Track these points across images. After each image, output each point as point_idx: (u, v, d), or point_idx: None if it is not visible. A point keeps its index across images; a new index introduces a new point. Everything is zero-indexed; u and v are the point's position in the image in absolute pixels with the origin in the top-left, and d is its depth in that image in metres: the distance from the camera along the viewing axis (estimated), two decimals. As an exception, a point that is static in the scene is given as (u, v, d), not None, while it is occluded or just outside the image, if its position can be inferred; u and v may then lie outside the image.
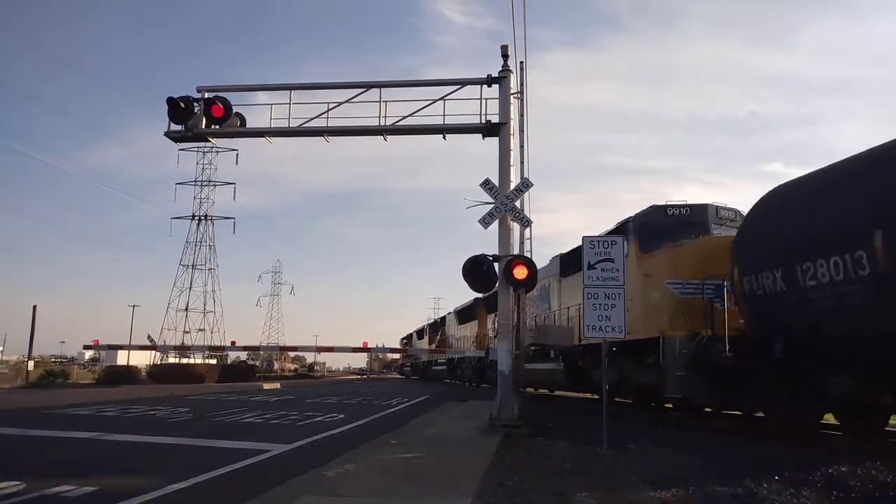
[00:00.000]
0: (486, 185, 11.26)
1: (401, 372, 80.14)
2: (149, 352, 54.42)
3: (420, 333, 57.96)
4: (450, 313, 44.18)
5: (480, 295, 20.18)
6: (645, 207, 14.44)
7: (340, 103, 12.60)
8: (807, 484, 6.21)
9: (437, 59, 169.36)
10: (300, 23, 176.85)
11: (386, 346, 61.60)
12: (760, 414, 12.07)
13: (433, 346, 46.70)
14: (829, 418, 10.89)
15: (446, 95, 12.20)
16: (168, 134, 12.98)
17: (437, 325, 49.00)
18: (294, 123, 12.70)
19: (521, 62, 12.77)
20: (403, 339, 69.84)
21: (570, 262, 17.66)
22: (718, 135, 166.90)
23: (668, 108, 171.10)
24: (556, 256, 20.01)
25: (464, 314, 36.93)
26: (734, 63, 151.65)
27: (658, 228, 13.70)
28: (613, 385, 14.53)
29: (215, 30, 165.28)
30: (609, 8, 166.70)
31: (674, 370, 11.67)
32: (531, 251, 12.80)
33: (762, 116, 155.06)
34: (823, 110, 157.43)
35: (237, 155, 57.39)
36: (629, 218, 14.55)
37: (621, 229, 14.28)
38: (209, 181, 64.98)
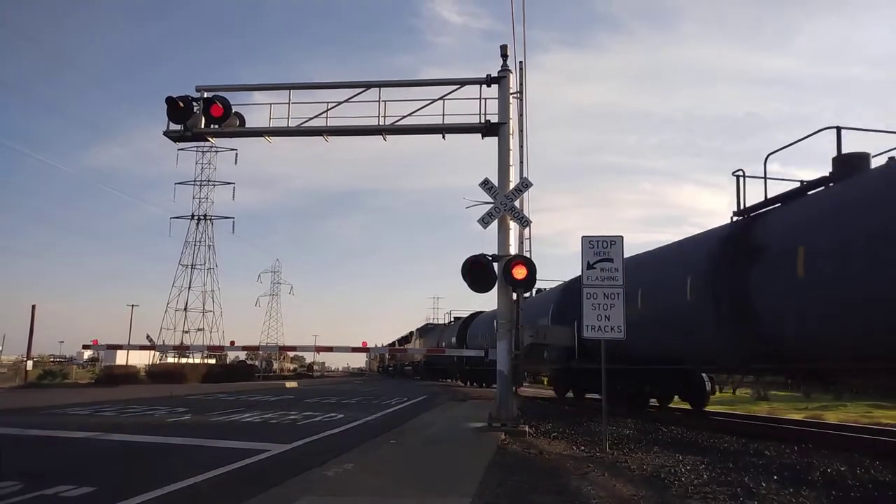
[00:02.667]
0: (486, 184, 11.26)
1: (377, 371, 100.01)
2: (148, 352, 54.52)
3: (391, 345, 76.54)
4: (397, 339, 73.43)
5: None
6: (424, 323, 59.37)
7: (339, 103, 12.59)
8: (806, 484, 6.21)
9: (434, 60, 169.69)
10: (299, 23, 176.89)
11: (385, 346, 62.04)
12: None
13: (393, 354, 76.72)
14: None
15: (446, 95, 12.19)
16: (167, 133, 12.96)
17: (394, 344, 70.56)
18: (293, 123, 12.69)
19: (521, 62, 12.77)
20: (388, 344, 76.64)
21: (424, 330, 55.28)
22: (716, 135, 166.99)
23: (665, 108, 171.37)
24: (418, 328, 59.04)
25: (402, 341, 66.45)
26: (732, 63, 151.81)
27: (425, 330, 55.63)
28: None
29: (214, 30, 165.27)
30: (606, 8, 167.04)
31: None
32: (531, 251, 12.80)
33: (760, 117, 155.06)
34: (820, 110, 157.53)
35: (236, 155, 57.89)
36: (422, 327, 58.69)
37: (423, 329, 57.37)
38: (208, 181, 65.36)
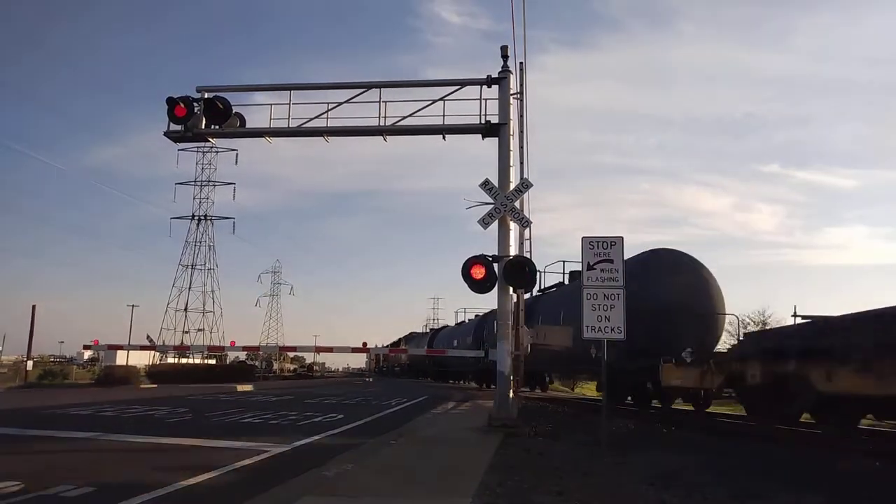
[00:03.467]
0: (486, 185, 11.26)
1: (374, 371, 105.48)
2: (148, 352, 54.50)
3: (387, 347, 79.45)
4: (393, 342, 77.22)
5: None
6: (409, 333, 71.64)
7: (340, 103, 12.61)
8: (806, 484, 6.21)
9: (434, 60, 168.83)
10: (299, 24, 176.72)
11: (385, 346, 62.08)
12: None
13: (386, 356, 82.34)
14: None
15: (446, 96, 12.21)
16: (168, 134, 12.98)
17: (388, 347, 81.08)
18: (294, 123, 12.71)
19: (521, 63, 12.79)
20: (387, 345, 77.76)
21: (409, 338, 65.23)
22: (715, 135, 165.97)
23: (664, 108, 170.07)
24: (404, 336, 70.22)
25: (393, 345, 69.20)
26: (730, 64, 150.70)
27: (410, 337, 65.67)
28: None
29: (215, 30, 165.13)
30: (605, 9, 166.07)
31: None
32: (531, 252, 12.84)
33: (759, 117, 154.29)
34: (819, 111, 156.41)
35: (237, 155, 57.82)
36: (407, 335, 69.58)
37: (409, 336, 67.44)
38: (209, 181, 65.21)
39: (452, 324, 51.59)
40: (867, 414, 10.71)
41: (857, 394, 9.20)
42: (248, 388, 33.91)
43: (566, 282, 22.48)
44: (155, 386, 33.88)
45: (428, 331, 63.43)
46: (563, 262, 22.52)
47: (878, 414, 10.47)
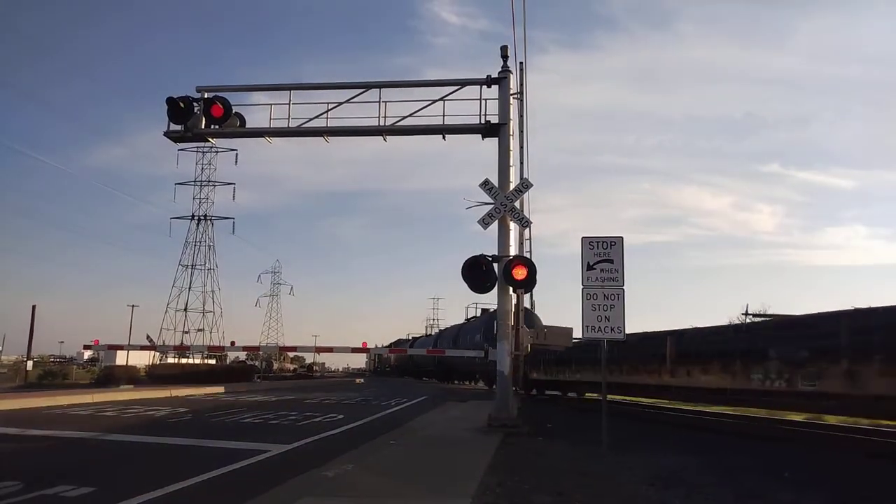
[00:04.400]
0: (486, 185, 11.26)
1: (372, 371, 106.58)
2: (148, 352, 54.50)
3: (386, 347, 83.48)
4: (388, 344, 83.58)
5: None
6: (396, 339, 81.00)
7: (340, 103, 12.61)
8: (807, 483, 6.21)
9: (433, 60, 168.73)
10: (299, 24, 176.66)
11: (385, 346, 62.08)
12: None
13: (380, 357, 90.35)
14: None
15: (446, 96, 12.20)
16: (168, 134, 12.98)
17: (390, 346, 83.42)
18: (294, 123, 12.71)
19: (521, 63, 12.81)
20: (386, 345, 79.08)
21: (397, 343, 71.81)
22: (715, 135, 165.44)
23: (664, 108, 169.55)
24: (393, 342, 76.00)
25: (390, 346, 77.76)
26: (730, 64, 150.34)
27: (399, 342, 73.21)
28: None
29: (215, 31, 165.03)
30: (604, 9, 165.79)
31: None
32: (531, 252, 12.87)
33: (759, 117, 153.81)
34: (819, 111, 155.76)
35: (237, 155, 57.82)
36: (395, 341, 78.74)
37: (397, 342, 74.94)
38: (209, 181, 65.11)
39: (446, 327, 62.43)
40: (552, 389, 23.88)
41: (543, 379, 23.04)
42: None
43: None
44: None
45: (410, 338, 76.42)
46: (476, 304, 41.29)
47: (561, 388, 23.41)
